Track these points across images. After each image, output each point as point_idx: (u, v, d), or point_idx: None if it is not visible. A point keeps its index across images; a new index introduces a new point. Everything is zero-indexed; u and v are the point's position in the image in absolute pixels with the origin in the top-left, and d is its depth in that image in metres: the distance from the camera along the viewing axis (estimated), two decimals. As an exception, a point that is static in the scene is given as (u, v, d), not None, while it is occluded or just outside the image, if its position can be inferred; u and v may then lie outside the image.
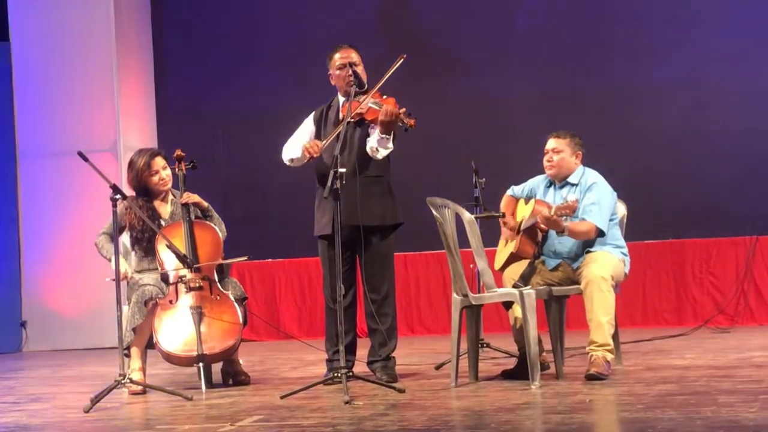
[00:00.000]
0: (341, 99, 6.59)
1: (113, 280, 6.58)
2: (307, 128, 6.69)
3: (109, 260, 6.67)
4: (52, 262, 11.24)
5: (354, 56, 6.56)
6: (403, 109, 6.22)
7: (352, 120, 6.36)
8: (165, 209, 6.93)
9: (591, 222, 6.29)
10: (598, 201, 6.35)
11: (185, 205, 6.80)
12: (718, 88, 10.34)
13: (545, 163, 6.56)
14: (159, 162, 6.85)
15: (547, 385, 5.86)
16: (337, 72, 6.57)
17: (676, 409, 4.82)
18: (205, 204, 6.91)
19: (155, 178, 6.85)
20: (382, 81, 6.38)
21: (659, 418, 4.60)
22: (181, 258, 6.58)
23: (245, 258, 6.95)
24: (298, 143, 6.56)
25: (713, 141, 10.28)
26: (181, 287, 6.60)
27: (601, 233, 6.32)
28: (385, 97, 6.35)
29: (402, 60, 6.34)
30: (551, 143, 6.56)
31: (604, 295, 6.09)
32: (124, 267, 6.65)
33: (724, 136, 10.24)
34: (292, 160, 6.60)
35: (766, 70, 10.26)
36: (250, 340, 10.41)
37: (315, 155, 6.39)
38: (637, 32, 10.64)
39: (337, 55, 6.59)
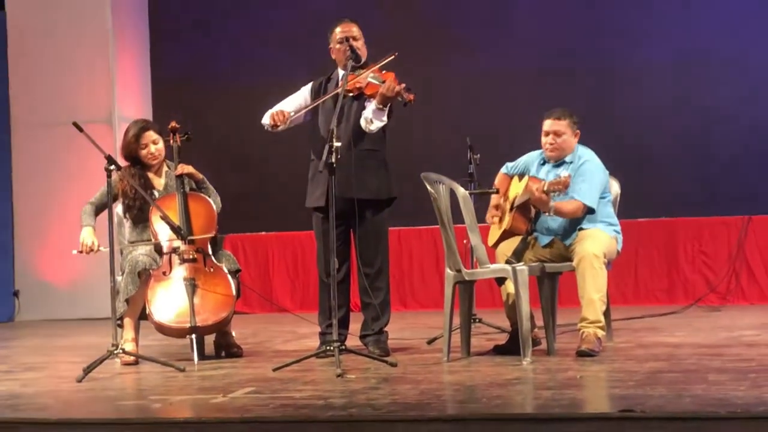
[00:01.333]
0: (341, 72, 6.59)
1: (79, 252, 6.61)
2: (301, 95, 6.72)
3: (83, 227, 6.69)
4: (45, 232, 11.22)
5: (355, 30, 6.57)
6: (403, 84, 6.24)
7: (351, 94, 6.38)
8: (159, 181, 6.93)
9: (578, 200, 6.29)
10: (588, 179, 6.35)
11: (180, 177, 6.79)
12: (713, 67, 10.33)
13: (546, 146, 6.49)
14: (149, 135, 6.83)
15: (539, 361, 5.89)
16: (338, 46, 6.58)
17: (666, 386, 4.85)
18: (200, 176, 6.90)
19: (144, 152, 6.84)
20: (370, 69, 6.38)
21: (649, 395, 4.62)
22: (175, 229, 6.57)
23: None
24: (285, 105, 6.64)
25: (707, 120, 10.29)
26: (175, 259, 6.61)
27: (590, 210, 6.32)
28: (384, 71, 6.36)
29: (393, 57, 6.35)
30: (551, 125, 6.47)
31: (596, 272, 6.11)
32: (90, 239, 6.65)
33: (718, 116, 10.25)
34: (263, 125, 6.67)
35: (759, 51, 10.26)
36: (243, 313, 10.42)
37: (279, 124, 6.51)
38: (633, 9, 10.61)
39: (338, 29, 6.60)
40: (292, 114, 6.55)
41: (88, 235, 6.66)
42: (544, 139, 6.52)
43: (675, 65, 10.42)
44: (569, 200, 6.30)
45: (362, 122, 6.42)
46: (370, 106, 6.38)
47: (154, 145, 6.84)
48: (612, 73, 10.59)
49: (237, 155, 11.47)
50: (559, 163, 6.51)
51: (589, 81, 10.54)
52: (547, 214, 6.30)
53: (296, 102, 6.70)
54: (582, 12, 10.76)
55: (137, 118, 7.80)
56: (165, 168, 6.97)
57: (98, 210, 6.81)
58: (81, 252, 6.67)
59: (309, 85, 6.76)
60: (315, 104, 6.56)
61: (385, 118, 6.39)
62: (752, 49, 10.25)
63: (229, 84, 11.55)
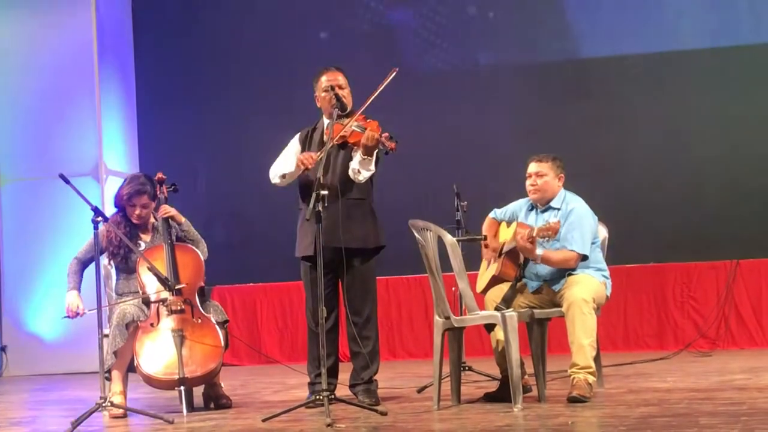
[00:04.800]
0: (326, 121, 6.60)
1: (65, 317, 6.59)
2: (293, 148, 6.68)
3: (68, 290, 6.69)
4: (32, 286, 11.18)
5: (340, 79, 6.57)
6: (386, 134, 6.22)
7: (336, 143, 6.36)
8: (146, 235, 6.92)
9: (571, 250, 6.30)
10: (578, 227, 6.36)
11: (167, 226, 6.77)
12: (698, 113, 10.43)
13: (529, 187, 6.57)
14: (142, 199, 6.82)
15: (529, 408, 5.86)
16: (323, 94, 6.58)
17: (658, 430, 4.83)
18: (182, 218, 6.89)
19: (130, 210, 6.84)
20: (374, 95, 6.30)
21: (641, 439, 4.60)
22: (163, 281, 6.56)
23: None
24: (287, 161, 6.57)
25: (693, 166, 10.34)
26: (163, 310, 6.57)
27: (584, 258, 6.34)
28: (368, 120, 6.35)
29: (394, 73, 6.32)
30: (534, 167, 6.57)
31: (586, 317, 6.10)
32: (76, 302, 6.63)
33: (704, 161, 10.31)
34: (284, 176, 6.54)
35: (744, 97, 10.33)
36: (231, 365, 10.38)
37: (310, 166, 6.35)
38: (615, 58, 10.70)
39: (323, 78, 6.60)
40: (318, 155, 6.43)
41: (73, 299, 6.65)
42: (527, 182, 6.56)
43: (662, 112, 10.50)
44: (560, 249, 6.30)
45: (351, 173, 6.41)
46: (356, 157, 6.37)
47: (143, 208, 6.84)
48: (598, 119, 10.65)
49: (223, 207, 11.49)
50: (545, 208, 6.53)
51: (575, 127, 10.58)
52: (534, 262, 6.32)
53: (290, 160, 6.65)
54: (566, 61, 10.85)
55: (121, 171, 7.79)
56: (152, 220, 6.96)
57: (85, 265, 6.79)
58: (68, 317, 6.66)
59: (296, 137, 6.74)
60: (320, 152, 6.44)
61: (372, 167, 6.39)
62: (739, 98, 10.32)
63: (215, 137, 11.60)
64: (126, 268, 6.80)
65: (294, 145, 6.71)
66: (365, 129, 6.25)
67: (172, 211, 6.84)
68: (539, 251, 6.22)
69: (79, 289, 6.70)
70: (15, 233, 11.35)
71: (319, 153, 6.38)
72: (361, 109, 6.37)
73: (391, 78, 6.31)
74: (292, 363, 9.45)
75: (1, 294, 11.38)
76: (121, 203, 6.88)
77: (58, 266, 10.63)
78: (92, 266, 6.70)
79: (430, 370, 6.35)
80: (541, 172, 6.54)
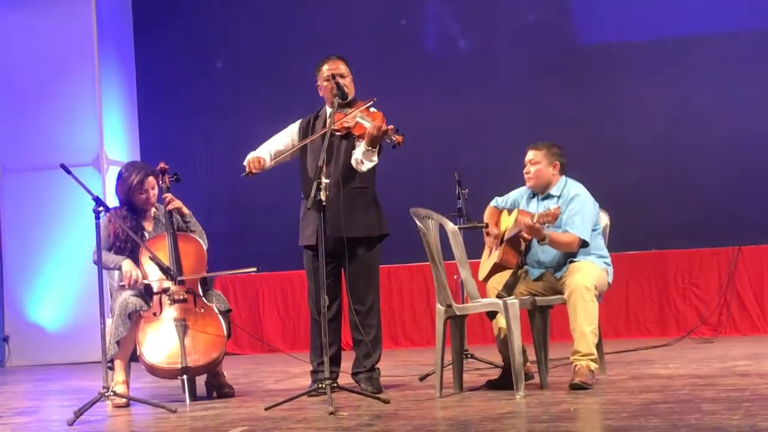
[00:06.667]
0: (328, 110, 6.60)
1: (123, 285, 6.57)
2: (289, 134, 6.71)
3: (117, 269, 6.67)
4: (34, 277, 11.19)
5: (342, 68, 6.57)
6: (392, 126, 6.22)
7: (339, 133, 6.36)
8: (148, 224, 6.92)
9: (573, 234, 6.30)
10: (580, 212, 6.37)
11: (170, 216, 6.78)
12: (699, 99, 10.40)
13: (525, 175, 6.59)
14: (150, 181, 6.84)
15: (532, 395, 5.87)
16: (325, 83, 6.59)
17: (660, 417, 4.83)
18: (186, 210, 6.90)
19: (143, 197, 6.84)
20: (358, 109, 6.35)
21: (644, 425, 4.60)
22: (165, 270, 6.56)
23: (254, 269, 6.93)
24: (267, 148, 6.64)
25: (695, 152, 10.32)
26: (165, 299, 6.58)
27: (584, 244, 6.34)
28: (372, 110, 6.35)
29: (371, 102, 6.35)
30: (529, 155, 6.59)
31: (588, 304, 6.10)
32: (136, 273, 6.62)
33: (706, 148, 10.29)
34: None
35: (744, 83, 10.31)
36: (234, 354, 10.39)
37: (253, 171, 6.49)
38: (615, 45, 10.69)
39: (325, 67, 6.61)
40: (269, 163, 6.53)
41: (130, 266, 6.62)
42: (524, 170, 6.58)
43: (663, 98, 10.48)
44: (564, 233, 6.31)
45: (353, 163, 6.41)
46: (360, 148, 6.36)
47: (152, 190, 6.85)
48: (599, 106, 10.64)
49: (225, 196, 11.48)
50: (546, 196, 6.53)
51: (577, 115, 10.57)
52: (542, 242, 6.30)
53: (283, 141, 6.70)
54: (566, 47, 10.83)
55: (127, 161, 7.77)
56: (153, 210, 6.96)
57: (109, 251, 6.76)
58: (128, 285, 6.61)
59: (297, 124, 6.75)
60: (302, 144, 6.53)
61: (375, 158, 6.39)
62: (740, 84, 10.29)
63: (216, 126, 11.58)
64: (131, 260, 6.79)
65: (291, 129, 6.75)
66: (370, 121, 6.25)
67: (179, 203, 6.85)
68: (545, 232, 6.22)
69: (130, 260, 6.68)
70: (16, 224, 11.35)
71: (270, 163, 6.54)
72: (353, 112, 6.35)
73: (367, 105, 6.33)
74: (294, 352, 9.47)
75: (3, 284, 11.39)
76: (129, 194, 6.84)
77: (60, 256, 10.74)
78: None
79: (432, 358, 6.36)
80: (534, 160, 6.55)
